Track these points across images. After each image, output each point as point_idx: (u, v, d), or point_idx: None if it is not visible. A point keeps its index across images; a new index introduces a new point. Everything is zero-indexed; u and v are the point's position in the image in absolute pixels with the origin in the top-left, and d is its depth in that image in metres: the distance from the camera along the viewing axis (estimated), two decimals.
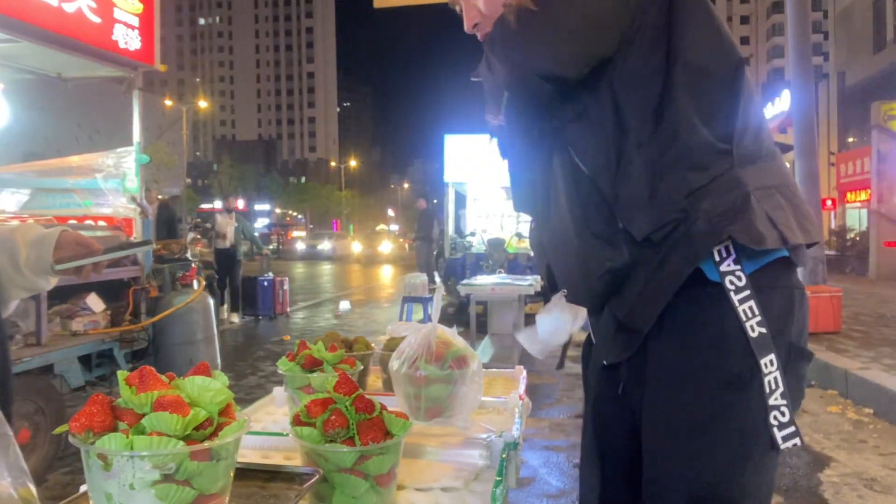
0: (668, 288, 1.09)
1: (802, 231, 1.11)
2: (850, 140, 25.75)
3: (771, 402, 1.06)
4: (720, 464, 1.07)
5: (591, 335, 1.33)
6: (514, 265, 8.99)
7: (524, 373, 1.98)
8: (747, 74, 1.13)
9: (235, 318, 10.24)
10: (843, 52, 26.10)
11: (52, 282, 1.45)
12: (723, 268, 1.09)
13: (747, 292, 1.08)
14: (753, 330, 1.07)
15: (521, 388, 1.81)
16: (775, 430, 1.06)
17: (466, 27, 1.29)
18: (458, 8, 1.31)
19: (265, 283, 10.38)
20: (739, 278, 1.08)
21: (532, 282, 6.47)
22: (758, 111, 1.16)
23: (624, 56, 1.09)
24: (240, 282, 10.31)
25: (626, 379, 1.22)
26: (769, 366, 1.06)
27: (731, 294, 1.07)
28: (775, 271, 1.11)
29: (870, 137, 17.63)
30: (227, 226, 10.24)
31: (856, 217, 22.46)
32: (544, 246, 1.28)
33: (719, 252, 1.09)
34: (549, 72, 1.12)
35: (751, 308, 1.07)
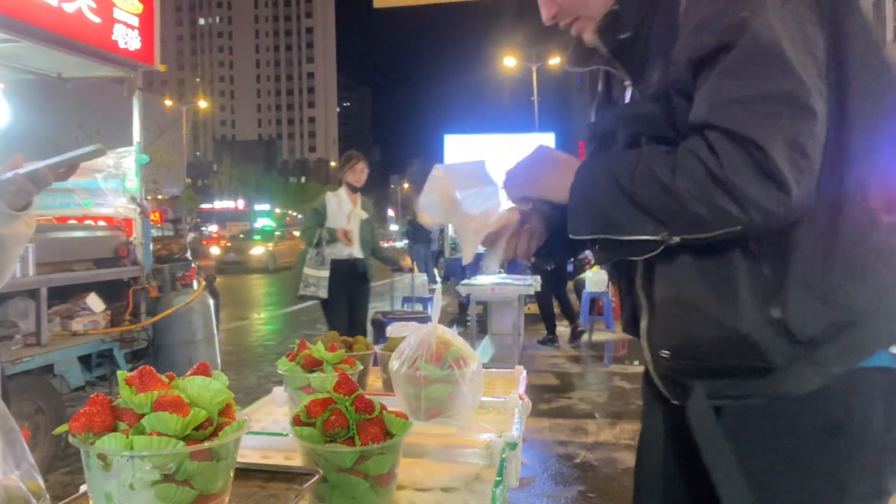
0: (814, 383, 0.94)
1: None
2: None
3: None
4: None
5: (656, 380, 1.18)
6: (513, 265, 8.98)
7: (524, 373, 1.98)
8: None
9: None
10: None
11: (23, 226, 1.42)
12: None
13: None
14: None
15: (521, 388, 1.80)
16: None
17: (545, 19, 1.16)
18: None
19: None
20: None
21: (532, 282, 6.47)
22: None
23: None
24: (367, 320, 5.59)
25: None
26: None
27: None
28: None
29: None
30: (352, 216, 5.17)
31: None
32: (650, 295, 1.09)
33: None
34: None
35: None
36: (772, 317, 0.92)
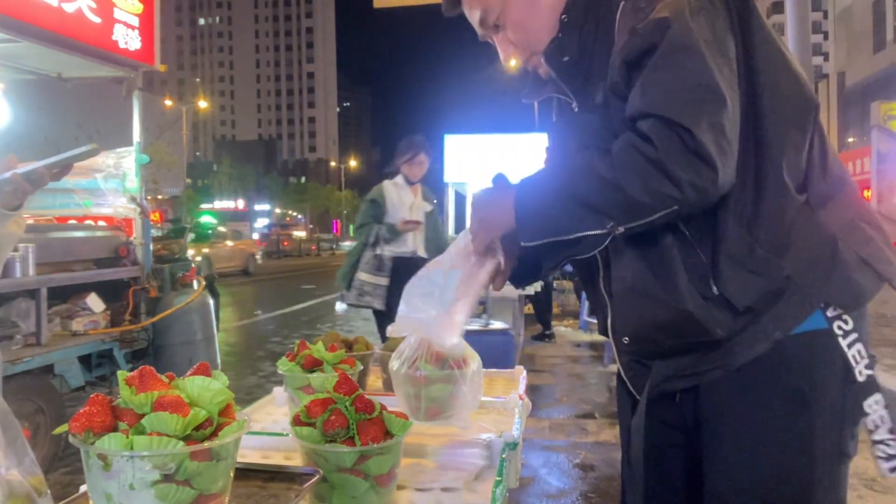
0: (758, 349, 1.04)
1: (893, 253, 1.07)
2: (850, 140, 25.76)
3: (875, 437, 1.03)
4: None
5: (623, 374, 1.26)
6: None
7: (524, 373, 1.98)
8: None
9: None
10: (843, 53, 26.09)
11: (14, 226, 1.42)
12: (830, 312, 1.04)
13: (855, 335, 1.03)
14: (861, 374, 1.03)
15: (521, 388, 1.81)
16: (882, 462, 1.04)
17: (503, 60, 1.27)
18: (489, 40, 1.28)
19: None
20: (846, 322, 1.04)
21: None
22: (823, 141, 1.10)
23: None
24: None
25: (690, 420, 1.15)
26: (874, 406, 1.03)
27: (840, 340, 1.03)
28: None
29: (870, 137, 17.62)
30: (413, 208, 4.44)
31: None
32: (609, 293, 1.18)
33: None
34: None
35: (860, 352, 1.03)
36: (712, 293, 1.02)
